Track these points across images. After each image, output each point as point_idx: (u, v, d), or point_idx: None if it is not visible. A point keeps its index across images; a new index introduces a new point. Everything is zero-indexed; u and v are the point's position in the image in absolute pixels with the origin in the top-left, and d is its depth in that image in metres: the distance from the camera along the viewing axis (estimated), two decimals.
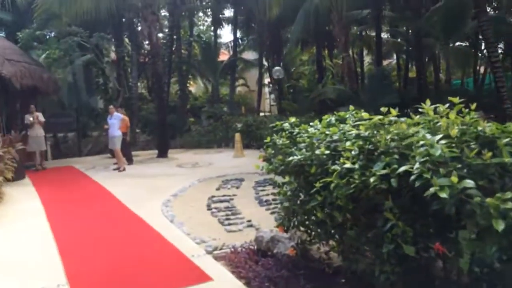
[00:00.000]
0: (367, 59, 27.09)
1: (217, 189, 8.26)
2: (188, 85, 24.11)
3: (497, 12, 18.20)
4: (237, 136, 13.40)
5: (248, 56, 26.94)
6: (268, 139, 4.59)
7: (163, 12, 22.47)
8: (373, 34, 19.69)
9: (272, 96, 25.13)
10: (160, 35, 22.49)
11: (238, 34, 25.46)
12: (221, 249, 4.83)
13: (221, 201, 7.17)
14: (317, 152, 3.65)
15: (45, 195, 8.28)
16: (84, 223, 6.27)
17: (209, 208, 6.81)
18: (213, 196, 7.51)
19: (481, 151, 2.58)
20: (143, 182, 9.46)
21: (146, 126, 18.55)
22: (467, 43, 20.40)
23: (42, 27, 15.74)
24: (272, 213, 6.17)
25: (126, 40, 21.59)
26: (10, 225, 6.29)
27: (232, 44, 24.90)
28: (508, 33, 16.25)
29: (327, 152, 3.60)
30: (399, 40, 22.08)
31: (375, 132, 3.34)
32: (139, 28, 20.70)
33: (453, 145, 2.68)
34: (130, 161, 12.32)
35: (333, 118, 4.36)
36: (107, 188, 8.74)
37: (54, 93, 14.25)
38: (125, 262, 4.56)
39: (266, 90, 28.09)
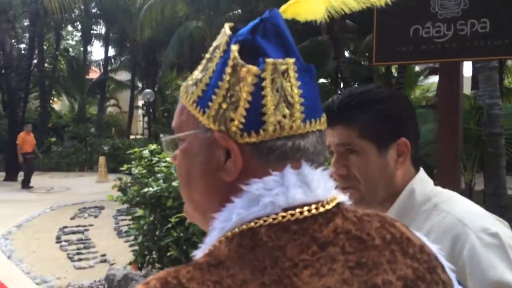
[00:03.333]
0: None
1: (72, 218, 7.49)
2: (51, 102, 22.12)
3: (353, 55, 20.37)
4: (101, 159, 12.49)
5: (122, 77, 25.75)
6: (125, 166, 4.27)
7: (26, 22, 20.39)
8: None
9: (146, 119, 24.38)
10: (23, 45, 20.40)
11: (111, 53, 24.34)
12: None
13: (74, 233, 6.51)
14: (174, 183, 3.47)
15: None
16: None
17: (58, 240, 6.11)
18: (65, 227, 6.79)
19: None
20: None
21: None
22: (329, 80, 22.33)
23: None
24: (131, 245, 5.73)
25: None
26: None
27: (103, 62, 23.67)
28: (362, 74, 18.32)
29: None
30: None
31: None
32: None
33: None
34: None
35: None
36: None
37: None
38: None
39: (140, 112, 27.16)
